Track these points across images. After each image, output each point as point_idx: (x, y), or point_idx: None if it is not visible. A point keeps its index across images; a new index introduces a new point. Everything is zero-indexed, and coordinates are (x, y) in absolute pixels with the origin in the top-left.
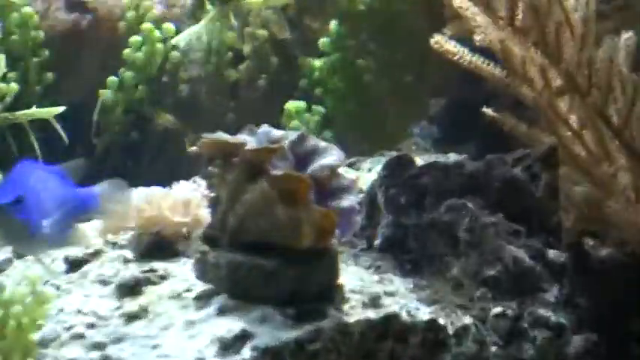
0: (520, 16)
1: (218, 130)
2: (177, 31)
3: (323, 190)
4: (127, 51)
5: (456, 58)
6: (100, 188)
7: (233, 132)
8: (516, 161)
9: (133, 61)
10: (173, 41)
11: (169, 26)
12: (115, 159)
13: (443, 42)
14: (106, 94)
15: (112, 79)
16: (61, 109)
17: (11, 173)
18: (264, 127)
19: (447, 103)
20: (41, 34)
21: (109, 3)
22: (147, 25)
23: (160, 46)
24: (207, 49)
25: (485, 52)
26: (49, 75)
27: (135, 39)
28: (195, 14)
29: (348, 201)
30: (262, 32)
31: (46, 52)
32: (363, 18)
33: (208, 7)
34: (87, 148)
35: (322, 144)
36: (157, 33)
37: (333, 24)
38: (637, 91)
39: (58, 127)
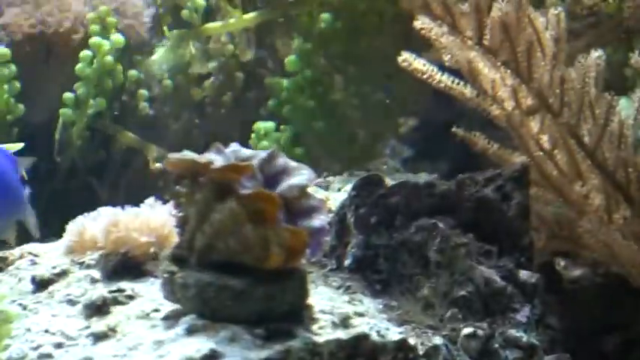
0: (488, 36)
1: (183, 148)
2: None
3: (292, 210)
4: (79, 66)
5: (424, 77)
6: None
7: (199, 149)
8: (487, 181)
9: (85, 75)
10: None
11: (118, 38)
12: (78, 177)
13: (411, 60)
14: (63, 110)
15: (67, 95)
16: (19, 145)
17: None
18: (233, 146)
19: (418, 121)
20: (14, 68)
21: (72, 17)
22: (95, 40)
23: (109, 58)
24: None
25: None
26: (20, 107)
27: (84, 53)
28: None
29: (318, 220)
30: (228, 47)
31: (18, 86)
32: (328, 36)
33: (167, 33)
34: (53, 167)
35: (292, 163)
36: (106, 45)
37: (297, 42)
38: (609, 111)
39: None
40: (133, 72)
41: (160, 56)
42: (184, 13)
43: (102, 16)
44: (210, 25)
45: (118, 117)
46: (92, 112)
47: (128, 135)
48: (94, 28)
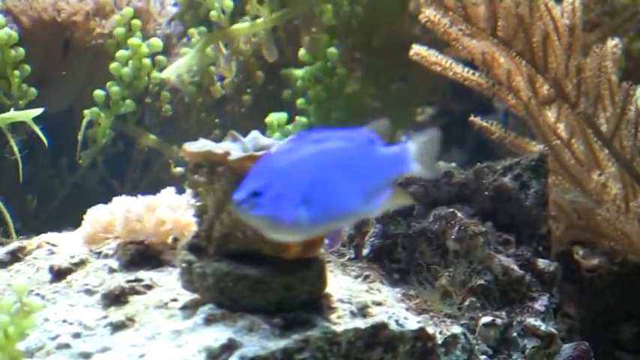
0: (501, 27)
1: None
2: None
3: None
4: (114, 65)
5: (438, 69)
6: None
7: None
8: (506, 170)
9: (120, 75)
10: (163, 75)
11: (157, 41)
12: (97, 172)
13: (423, 52)
14: (92, 109)
15: (99, 92)
16: (39, 110)
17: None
18: (253, 133)
19: (436, 110)
20: (22, 51)
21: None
22: (134, 40)
23: (147, 61)
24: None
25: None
26: (32, 90)
27: (122, 53)
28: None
29: None
30: (247, 47)
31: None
32: (347, 26)
33: (196, 36)
34: (71, 159)
35: None
36: (145, 48)
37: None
38: (626, 100)
39: (37, 129)
40: (156, 73)
41: (188, 59)
42: (213, 14)
43: (127, 18)
44: (239, 25)
45: (140, 118)
46: (122, 112)
47: (150, 137)
48: (120, 30)
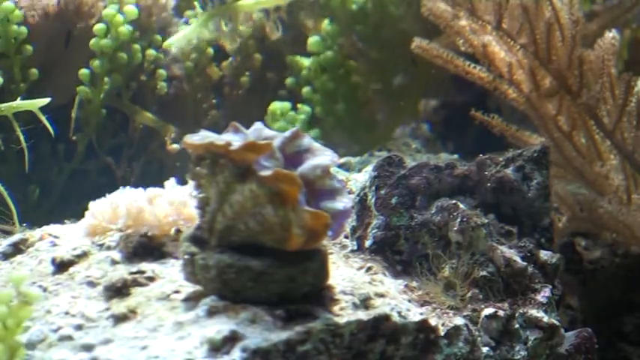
0: (506, 20)
1: (200, 128)
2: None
3: (315, 191)
4: (93, 40)
5: (440, 62)
6: None
7: (218, 129)
8: (508, 161)
9: (100, 49)
10: (165, 44)
11: (131, 9)
12: (96, 158)
13: (425, 46)
14: (80, 88)
15: (83, 71)
16: (46, 100)
17: None
18: (257, 125)
19: (439, 103)
20: (24, 29)
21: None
22: (108, 11)
23: (123, 29)
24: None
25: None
26: (34, 71)
27: (98, 26)
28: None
29: (341, 203)
30: (246, 29)
31: (30, 48)
32: (356, 18)
33: (198, 9)
34: (72, 148)
35: (316, 144)
36: (119, 17)
37: (325, 23)
38: (628, 92)
39: (43, 118)
40: (151, 51)
41: (190, 31)
42: None
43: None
44: (244, 1)
45: (136, 97)
46: (108, 89)
47: (146, 114)
48: (112, 7)
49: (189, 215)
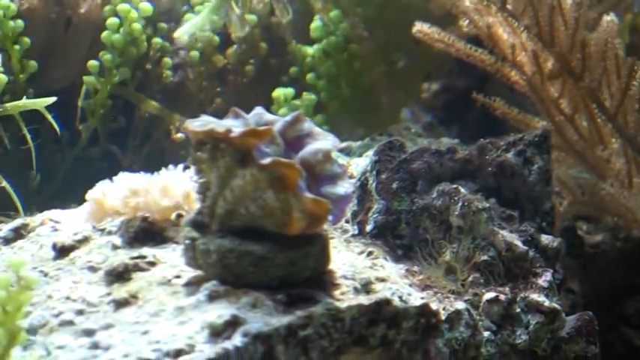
0: (511, 1)
1: (203, 114)
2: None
3: (316, 175)
4: (105, 33)
5: (441, 46)
6: None
7: (222, 118)
8: (509, 146)
9: (111, 43)
10: (176, 34)
11: (146, 6)
12: (100, 145)
13: (426, 29)
14: (87, 78)
15: (92, 62)
16: (52, 99)
17: None
18: (257, 109)
19: (441, 87)
20: (21, 23)
21: None
22: (123, 6)
23: (137, 26)
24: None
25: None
26: (33, 63)
27: (112, 21)
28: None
29: (342, 188)
30: (252, 17)
31: (28, 41)
32: (358, 2)
33: None
34: (74, 135)
35: (317, 128)
36: (134, 13)
37: (320, 5)
38: (630, 75)
39: (49, 116)
40: (157, 39)
41: (201, 19)
42: None
43: None
44: None
45: (141, 85)
46: (116, 81)
47: (151, 103)
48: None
49: (190, 200)
